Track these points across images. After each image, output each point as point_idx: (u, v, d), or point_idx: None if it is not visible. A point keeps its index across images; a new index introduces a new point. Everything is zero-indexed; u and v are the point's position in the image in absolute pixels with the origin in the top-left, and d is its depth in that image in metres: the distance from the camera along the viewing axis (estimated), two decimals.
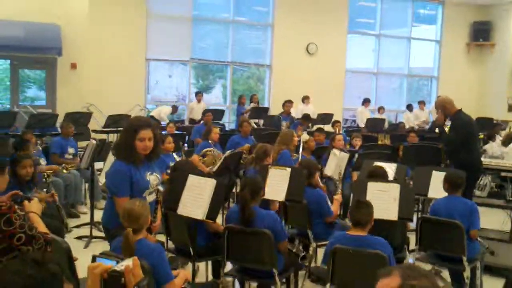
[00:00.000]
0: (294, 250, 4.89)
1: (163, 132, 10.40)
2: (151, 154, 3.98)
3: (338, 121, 12.00)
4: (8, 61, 13.27)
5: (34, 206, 3.04)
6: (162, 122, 12.46)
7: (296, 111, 13.97)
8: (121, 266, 1.64)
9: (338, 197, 5.71)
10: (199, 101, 13.63)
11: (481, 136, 12.55)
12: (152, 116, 12.92)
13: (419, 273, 1.77)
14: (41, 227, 2.89)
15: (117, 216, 3.55)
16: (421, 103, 16.31)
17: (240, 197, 4.36)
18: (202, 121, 11.40)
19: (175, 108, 13.48)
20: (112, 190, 3.91)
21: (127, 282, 1.62)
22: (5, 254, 2.59)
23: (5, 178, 2.81)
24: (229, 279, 4.82)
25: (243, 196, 4.30)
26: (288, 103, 13.05)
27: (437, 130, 11.59)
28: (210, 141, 7.83)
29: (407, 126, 14.53)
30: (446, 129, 6.83)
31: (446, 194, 5.29)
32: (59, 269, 1.56)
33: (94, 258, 1.76)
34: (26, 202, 3.06)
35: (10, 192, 3.06)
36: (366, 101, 15.33)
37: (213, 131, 7.97)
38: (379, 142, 11.01)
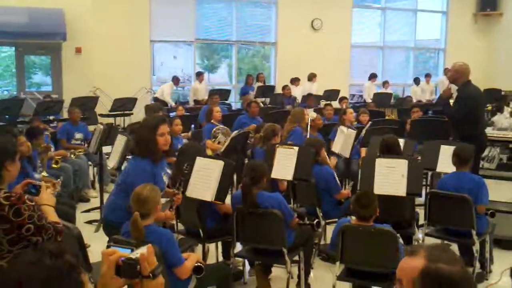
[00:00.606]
0: (307, 222, 4.91)
1: (171, 114, 10.42)
2: (168, 150, 4.07)
3: (345, 97, 11.95)
4: (13, 48, 13.28)
5: (47, 198, 2.99)
6: (169, 105, 12.48)
7: (303, 90, 13.93)
8: (136, 253, 1.65)
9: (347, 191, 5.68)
10: (201, 81, 13.55)
11: (489, 107, 12.49)
12: (156, 98, 12.92)
13: (448, 256, 1.66)
14: (52, 217, 2.87)
15: (124, 211, 3.61)
16: (427, 76, 16.19)
17: (242, 183, 4.37)
18: (207, 103, 11.37)
19: (176, 80, 13.41)
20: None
21: (143, 269, 1.64)
22: (15, 244, 2.61)
23: (17, 165, 2.80)
24: (239, 259, 4.86)
25: (244, 183, 4.31)
26: (287, 88, 12.91)
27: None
28: (213, 122, 7.81)
29: (414, 100, 14.44)
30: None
31: (455, 168, 5.29)
32: (76, 260, 1.57)
33: (108, 246, 1.78)
34: (37, 197, 2.96)
35: (22, 181, 3.05)
36: (372, 76, 15.24)
37: (214, 110, 7.93)
38: (387, 117, 10.95)
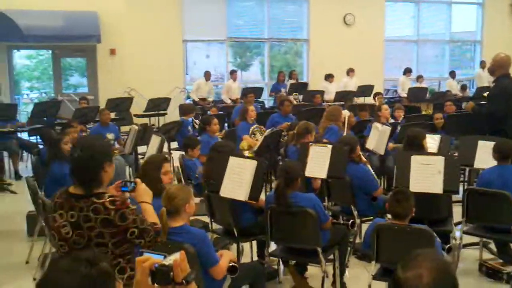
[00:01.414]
0: (342, 222, 4.88)
1: (208, 113, 10.47)
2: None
3: (380, 93, 11.81)
4: (50, 51, 13.56)
5: (144, 195, 2.98)
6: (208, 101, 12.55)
7: (339, 85, 13.83)
8: (169, 260, 1.66)
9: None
10: (234, 79, 13.54)
11: None
12: (194, 101, 12.94)
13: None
14: (152, 217, 2.90)
15: None
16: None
17: (276, 185, 4.36)
18: (242, 101, 11.38)
19: (208, 75, 13.33)
20: None
21: (176, 276, 1.64)
22: (119, 246, 2.68)
23: (113, 166, 2.82)
24: (274, 258, 4.85)
25: (277, 185, 4.29)
26: (317, 97, 12.66)
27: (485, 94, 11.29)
28: (248, 121, 7.81)
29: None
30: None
31: (493, 163, 5.17)
32: (111, 268, 1.58)
33: (141, 253, 1.79)
34: (134, 194, 2.99)
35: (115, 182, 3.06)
36: (407, 71, 14.99)
37: (249, 109, 7.92)
38: (423, 112, 10.77)
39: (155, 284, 1.66)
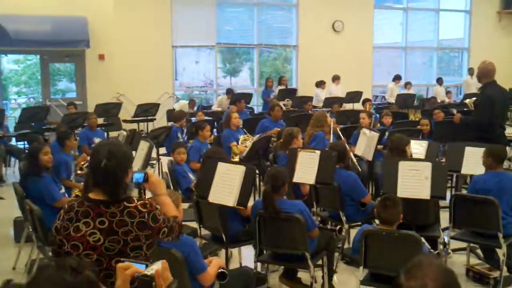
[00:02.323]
0: (328, 228, 4.89)
1: (193, 119, 10.47)
2: None
3: (368, 99, 11.85)
4: (38, 56, 13.49)
5: (159, 187, 2.94)
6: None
7: (328, 92, 13.87)
8: (151, 270, 1.66)
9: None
10: (228, 98, 12.92)
11: None
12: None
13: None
14: (172, 210, 2.89)
15: None
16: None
17: (263, 191, 4.36)
18: (229, 106, 11.38)
19: (192, 104, 12.99)
20: None
21: (158, 286, 1.65)
22: (150, 247, 2.68)
23: (132, 171, 2.82)
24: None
25: (265, 191, 4.30)
26: (309, 104, 12.59)
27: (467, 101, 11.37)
28: (232, 128, 7.78)
29: (438, 101, 14.26)
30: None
31: (480, 169, 5.22)
32: (95, 276, 1.58)
33: (123, 262, 1.79)
34: (149, 186, 2.96)
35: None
36: (396, 78, 15.07)
37: (232, 117, 7.88)
38: (411, 118, 10.84)
39: None
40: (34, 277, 1.52)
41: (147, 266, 1.71)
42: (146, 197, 3.65)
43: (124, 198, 2.65)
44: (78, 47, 12.72)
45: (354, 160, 7.03)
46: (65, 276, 1.48)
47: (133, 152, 6.65)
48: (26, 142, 9.32)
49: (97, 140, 8.36)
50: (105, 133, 8.90)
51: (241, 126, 8.13)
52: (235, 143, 7.55)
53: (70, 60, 13.62)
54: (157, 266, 1.68)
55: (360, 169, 6.88)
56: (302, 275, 4.80)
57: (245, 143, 7.60)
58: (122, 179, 2.65)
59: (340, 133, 7.46)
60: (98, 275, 2.51)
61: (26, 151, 8.55)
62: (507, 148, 7.54)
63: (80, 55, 13.12)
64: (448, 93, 15.34)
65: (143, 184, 2.92)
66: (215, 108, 13.11)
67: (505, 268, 4.70)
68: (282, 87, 13.90)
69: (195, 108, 12.76)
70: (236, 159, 6.74)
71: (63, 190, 5.40)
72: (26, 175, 5.44)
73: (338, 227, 4.85)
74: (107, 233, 2.57)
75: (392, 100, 14.18)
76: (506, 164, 8.12)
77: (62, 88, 14.41)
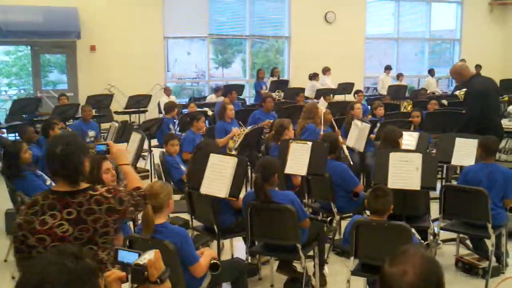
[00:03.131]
0: (319, 218, 4.92)
1: (184, 110, 10.46)
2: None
3: (360, 91, 11.87)
4: (29, 47, 13.41)
5: (121, 156, 3.03)
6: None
7: (319, 83, 13.86)
8: (144, 259, 1.68)
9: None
10: (218, 96, 12.68)
11: (506, 98, 12.34)
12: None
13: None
14: (135, 179, 2.97)
15: None
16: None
17: (254, 181, 4.39)
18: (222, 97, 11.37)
19: (167, 91, 12.61)
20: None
21: (150, 275, 1.66)
22: (117, 231, 2.79)
23: (88, 161, 2.86)
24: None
25: (255, 180, 4.33)
26: (301, 96, 12.55)
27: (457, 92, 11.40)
28: (226, 120, 7.76)
29: (428, 92, 14.30)
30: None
31: (471, 160, 5.26)
32: (95, 264, 1.60)
33: (116, 251, 1.81)
34: (112, 156, 3.06)
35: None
36: (387, 68, 15.13)
37: (227, 108, 7.84)
38: (402, 110, 10.87)
39: (130, 282, 1.69)
40: (35, 263, 1.52)
41: (139, 255, 1.73)
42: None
43: (88, 187, 2.69)
44: (69, 38, 12.65)
45: (346, 152, 7.07)
46: (67, 262, 1.49)
47: (125, 144, 6.72)
48: (17, 134, 9.29)
49: (91, 132, 8.33)
50: (98, 125, 8.84)
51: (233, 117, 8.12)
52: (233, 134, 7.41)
53: (61, 52, 13.54)
54: (150, 256, 1.69)
55: (352, 162, 6.92)
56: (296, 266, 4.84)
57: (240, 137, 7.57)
58: (79, 166, 2.68)
59: (334, 124, 7.47)
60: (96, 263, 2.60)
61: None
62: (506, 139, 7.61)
63: (71, 46, 13.04)
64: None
65: (106, 153, 3.02)
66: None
67: (494, 258, 4.76)
68: (274, 78, 13.89)
69: (171, 96, 12.50)
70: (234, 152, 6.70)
71: (49, 182, 5.34)
72: (8, 177, 5.35)
73: (329, 218, 4.88)
74: (75, 223, 2.60)
75: (384, 92, 14.20)
76: (497, 155, 8.20)
77: (53, 79, 14.33)
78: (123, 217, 2.74)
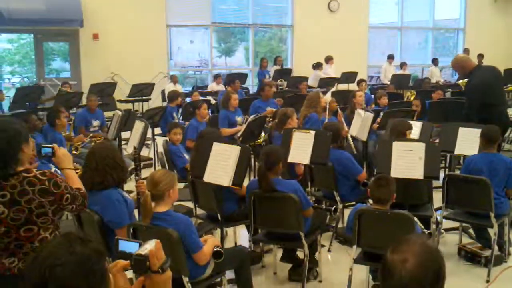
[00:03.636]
0: (323, 207, 4.93)
1: (187, 99, 10.46)
2: None
3: (363, 80, 11.83)
4: (32, 35, 13.40)
5: (65, 161, 3.09)
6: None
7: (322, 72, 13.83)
8: (145, 249, 1.70)
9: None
10: (218, 83, 12.89)
11: (510, 87, 12.30)
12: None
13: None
14: (76, 183, 3.01)
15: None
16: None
17: (258, 169, 4.39)
18: (226, 87, 11.34)
19: (174, 79, 12.68)
20: (117, 222, 3.72)
21: (152, 265, 1.69)
22: (56, 213, 2.81)
23: (31, 146, 2.89)
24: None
25: (259, 168, 4.34)
26: (304, 84, 12.51)
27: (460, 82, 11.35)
28: (230, 109, 7.76)
29: (432, 81, 14.26)
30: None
31: (474, 150, 5.26)
32: (103, 247, 1.62)
33: (117, 241, 1.83)
34: (56, 160, 3.11)
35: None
36: (390, 57, 15.08)
37: (232, 98, 7.80)
38: (406, 100, 10.85)
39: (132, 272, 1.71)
40: (44, 247, 1.54)
41: (140, 245, 1.75)
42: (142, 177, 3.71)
43: (22, 170, 2.73)
44: (72, 26, 12.64)
45: (351, 141, 7.06)
46: (75, 246, 1.51)
47: (128, 132, 6.74)
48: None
49: (95, 122, 8.33)
50: (103, 114, 8.84)
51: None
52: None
53: (64, 40, 13.54)
54: (151, 246, 1.71)
55: (355, 151, 6.92)
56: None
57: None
58: (10, 154, 2.71)
59: (340, 112, 7.46)
60: (8, 246, 2.65)
61: None
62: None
63: (74, 34, 13.04)
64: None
65: (51, 157, 3.09)
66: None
67: (496, 247, 4.77)
68: (278, 67, 13.86)
69: (177, 85, 12.48)
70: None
71: (53, 169, 5.36)
72: None
73: (333, 208, 4.91)
74: (10, 205, 2.66)
75: (387, 81, 14.17)
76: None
77: (56, 67, 14.34)
78: (59, 201, 2.76)
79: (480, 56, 14.41)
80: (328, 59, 14.12)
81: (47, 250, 1.51)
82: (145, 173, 4.40)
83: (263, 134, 7.53)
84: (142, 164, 5.05)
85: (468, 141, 5.57)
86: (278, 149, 4.57)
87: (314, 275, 4.63)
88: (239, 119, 7.80)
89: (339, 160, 5.29)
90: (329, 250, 5.21)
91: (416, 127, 6.30)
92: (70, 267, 1.47)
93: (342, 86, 13.20)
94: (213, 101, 10.28)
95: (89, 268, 1.50)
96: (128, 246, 1.80)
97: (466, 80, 8.57)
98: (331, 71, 13.86)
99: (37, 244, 2.71)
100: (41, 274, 1.46)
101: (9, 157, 2.70)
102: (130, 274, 1.87)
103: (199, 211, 5.00)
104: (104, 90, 11.01)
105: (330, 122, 6.30)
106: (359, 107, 7.62)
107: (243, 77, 13.39)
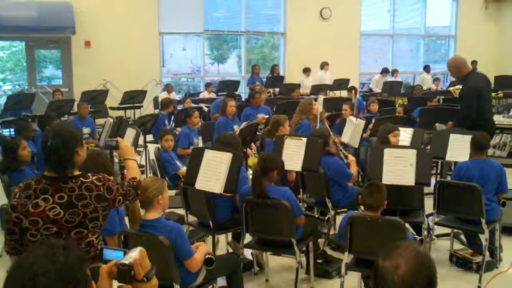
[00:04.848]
0: (316, 216, 4.93)
1: (179, 107, 10.45)
2: None
3: (354, 87, 11.86)
4: (24, 42, 13.37)
5: (127, 152, 3.29)
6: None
7: (315, 78, 13.88)
8: (130, 258, 1.69)
9: (351, 158, 5.72)
10: (209, 92, 12.85)
11: (501, 94, 12.40)
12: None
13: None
14: (134, 172, 3.19)
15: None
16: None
17: (252, 173, 4.39)
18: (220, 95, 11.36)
19: (169, 88, 12.60)
20: (109, 230, 3.67)
21: (136, 274, 1.68)
22: (105, 218, 2.92)
23: (85, 149, 3.00)
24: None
25: (254, 173, 4.34)
26: (296, 92, 12.53)
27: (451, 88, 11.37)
28: (228, 116, 7.75)
29: (424, 88, 14.33)
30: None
31: (465, 156, 5.28)
32: (85, 254, 1.61)
33: (101, 250, 1.82)
34: (120, 151, 3.31)
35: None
36: (384, 71, 14.99)
37: (228, 105, 7.78)
38: (397, 107, 10.89)
39: (117, 282, 1.70)
40: (26, 256, 1.53)
41: (125, 253, 1.73)
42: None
43: (79, 174, 2.85)
44: (64, 34, 12.62)
45: (342, 150, 7.07)
46: (58, 255, 1.50)
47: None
48: (12, 130, 9.25)
49: (85, 130, 8.31)
50: (94, 121, 8.82)
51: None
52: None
53: (56, 47, 13.51)
54: (135, 255, 1.70)
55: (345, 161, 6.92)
56: (288, 260, 4.86)
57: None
58: (67, 157, 2.81)
59: (325, 123, 7.46)
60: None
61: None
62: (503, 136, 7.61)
63: (66, 41, 13.03)
64: (436, 80, 15.40)
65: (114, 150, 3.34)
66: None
67: (487, 253, 4.79)
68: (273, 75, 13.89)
69: (172, 93, 12.48)
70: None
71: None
72: (5, 171, 5.33)
73: (326, 217, 4.91)
74: (66, 207, 2.76)
75: (378, 90, 14.18)
76: (490, 151, 8.25)
77: (48, 75, 14.29)
78: (112, 205, 2.90)
79: (474, 62, 14.51)
80: (324, 65, 14.14)
81: (29, 260, 1.50)
82: None
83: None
84: None
85: (459, 147, 5.60)
86: (277, 157, 4.57)
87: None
88: (236, 128, 7.78)
89: (330, 166, 5.29)
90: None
91: (408, 133, 6.34)
92: (52, 276, 1.46)
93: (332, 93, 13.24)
94: (205, 108, 10.28)
95: (72, 276, 1.49)
96: (112, 255, 1.79)
97: (458, 87, 8.61)
98: (326, 77, 13.88)
99: (83, 246, 2.80)
100: (24, 283, 1.44)
101: (66, 160, 2.80)
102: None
103: (191, 218, 4.99)
104: (96, 98, 10.99)
105: (318, 129, 6.31)
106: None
107: (235, 84, 13.40)
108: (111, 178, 2.94)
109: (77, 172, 2.86)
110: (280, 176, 4.57)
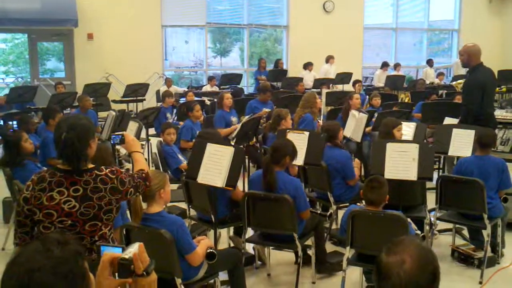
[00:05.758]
0: (318, 212, 4.94)
1: (182, 99, 10.45)
2: None
3: (359, 81, 11.84)
4: (26, 35, 13.35)
5: (134, 145, 3.29)
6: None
7: (319, 72, 13.85)
8: (129, 253, 1.69)
9: (356, 162, 5.72)
10: (212, 86, 12.91)
11: (504, 88, 12.35)
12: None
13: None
14: (141, 165, 3.18)
15: None
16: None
17: (263, 161, 4.40)
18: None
19: (168, 82, 12.60)
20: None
21: (136, 269, 1.68)
22: (118, 211, 2.95)
23: (96, 141, 3.02)
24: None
25: (265, 160, 4.38)
26: (301, 84, 12.57)
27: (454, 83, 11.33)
28: (225, 109, 7.74)
29: (427, 82, 14.28)
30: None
31: (468, 151, 5.27)
32: (82, 248, 1.61)
33: (98, 247, 1.82)
34: (125, 145, 3.33)
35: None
36: (384, 65, 14.95)
37: (224, 97, 7.77)
38: (400, 101, 10.87)
39: (117, 277, 1.70)
40: (20, 252, 1.53)
41: (123, 249, 1.74)
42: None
43: (93, 167, 2.87)
44: (67, 26, 12.59)
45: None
46: (53, 249, 1.50)
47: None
48: (15, 122, 9.25)
49: None
50: (96, 114, 8.81)
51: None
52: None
53: (59, 39, 13.50)
54: (134, 249, 1.71)
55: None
56: (290, 255, 4.86)
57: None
58: (81, 150, 2.82)
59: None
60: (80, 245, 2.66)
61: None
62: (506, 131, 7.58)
63: (68, 34, 13.01)
64: (440, 74, 15.34)
65: (120, 144, 3.35)
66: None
67: (489, 249, 4.78)
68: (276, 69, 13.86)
69: (172, 87, 12.47)
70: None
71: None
72: (7, 164, 5.34)
73: (328, 213, 4.91)
74: (82, 200, 2.78)
75: (380, 84, 14.14)
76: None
77: (51, 67, 14.30)
78: (125, 197, 2.93)
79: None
80: (329, 58, 14.09)
81: (24, 255, 1.50)
82: None
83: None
84: None
85: (461, 142, 5.58)
86: (286, 143, 4.54)
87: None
88: (234, 119, 7.79)
89: (338, 159, 5.26)
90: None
91: (410, 128, 6.32)
92: (48, 271, 1.45)
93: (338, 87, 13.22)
94: (207, 102, 10.27)
95: (68, 271, 1.48)
96: (110, 251, 1.80)
97: (460, 81, 8.56)
98: (331, 71, 13.84)
99: (97, 239, 2.83)
100: (19, 280, 1.44)
101: (80, 153, 2.81)
102: None
103: (193, 212, 4.99)
104: (98, 90, 10.99)
105: (329, 122, 6.29)
106: (355, 109, 7.62)
107: (237, 77, 13.38)
108: (123, 170, 2.96)
109: (90, 165, 2.88)
110: (293, 160, 4.55)
